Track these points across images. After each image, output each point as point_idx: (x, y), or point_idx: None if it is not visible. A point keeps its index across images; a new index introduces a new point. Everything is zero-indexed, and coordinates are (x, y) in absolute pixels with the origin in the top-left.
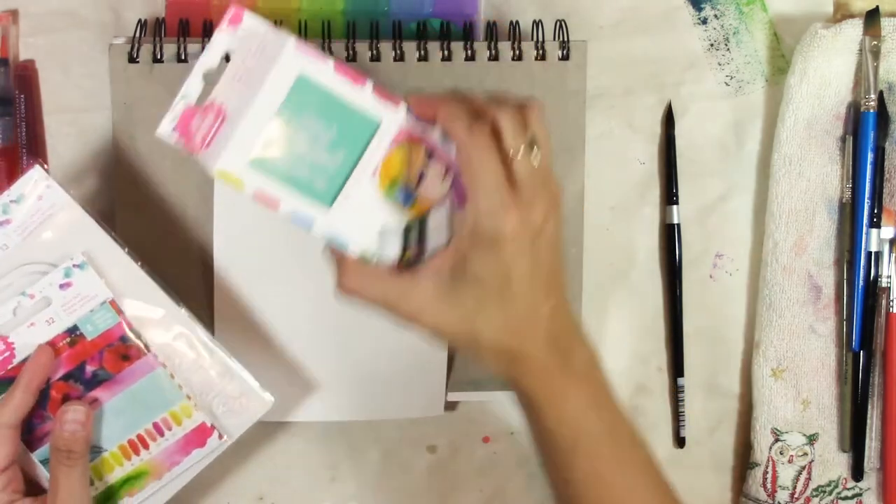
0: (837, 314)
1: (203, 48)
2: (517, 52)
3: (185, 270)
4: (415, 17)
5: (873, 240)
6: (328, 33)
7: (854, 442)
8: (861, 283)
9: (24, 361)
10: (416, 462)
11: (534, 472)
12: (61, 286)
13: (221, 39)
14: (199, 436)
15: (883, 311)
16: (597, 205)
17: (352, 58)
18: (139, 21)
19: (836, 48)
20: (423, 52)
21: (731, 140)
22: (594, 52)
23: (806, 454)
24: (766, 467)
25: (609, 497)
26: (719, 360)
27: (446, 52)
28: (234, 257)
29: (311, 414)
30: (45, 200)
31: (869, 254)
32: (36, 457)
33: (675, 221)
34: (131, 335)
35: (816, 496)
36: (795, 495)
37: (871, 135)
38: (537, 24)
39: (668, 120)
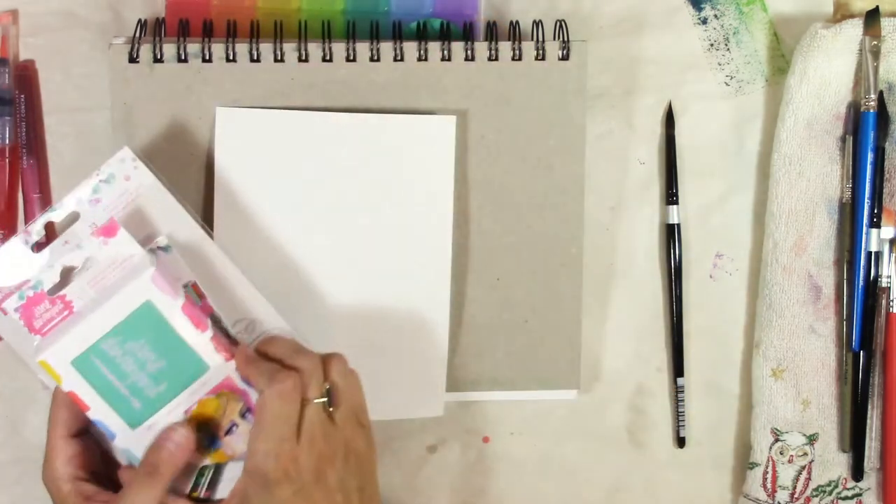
0: (837, 314)
1: (203, 48)
2: (517, 52)
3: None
4: (415, 17)
5: (873, 240)
6: (328, 33)
7: (854, 442)
8: (861, 283)
9: None
10: (416, 462)
11: (534, 472)
12: None
13: (90, 245)
14: None
15: (883, 311)
16: (597, 205)
17: (352, 58)
18: (139, 21)
19: (836, 48)
20: (423, 52)
21: (731, 140)
22: (594, 52)
23: (806, 454)
24: (766, 467)
25: None
26: (719, 360)
27: (446, 52)
28: (234, 258)
29: None
30: (132, 181)
31: (869, 254)
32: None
33: (675, 221)
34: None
35: (816, 496)
36: (795, 495)
37: (871, 135)
38: (537, 24)
39: (668, 120)
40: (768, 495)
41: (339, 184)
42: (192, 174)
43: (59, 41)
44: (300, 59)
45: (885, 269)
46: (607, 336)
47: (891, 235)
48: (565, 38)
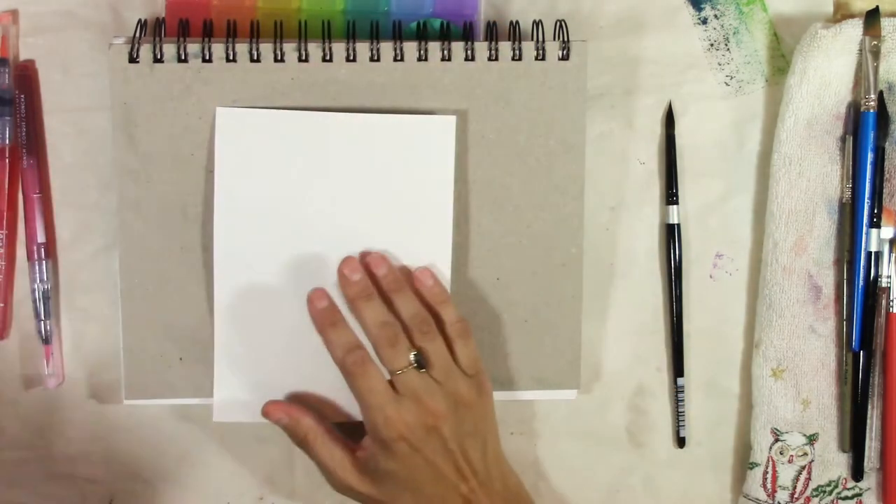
0: (837, 314)
1: (203, 48)
2: (517, 52)
3: (186, 270)
4: (415, 17)
5: (873, 240)
6: (328, 33)
7: (854, 442)
8: (861, 283)
9: None
10: None
11: (534, 472)
12: None
13: None
14: None
15: (883, 311)
16: (597, 205)
17: (352, 58)
18: (139, 21)
19: (836, 48)
20: (423, 52)
21: (731, 140)
22: (594, 52)
23: (806, 454)
24: (766, 467)
25: None
26: (719, 360)
27: (446, 52)
28: (234, 257)
29: None
30: None
31: (869, 254)
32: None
33: (675, 221)
34: None
35: (816, 496)
36: (795, 495)
37: (871, 135)
38: (537, 24)
39: (668, 120)
40: (768, 495)
41: (339, 183)
42: (192, 174)
43: (59, 41)
44: (300, 59)
45: (885, 269)
46: (607, 336)
47: (891, 235)
48: (565, 38)
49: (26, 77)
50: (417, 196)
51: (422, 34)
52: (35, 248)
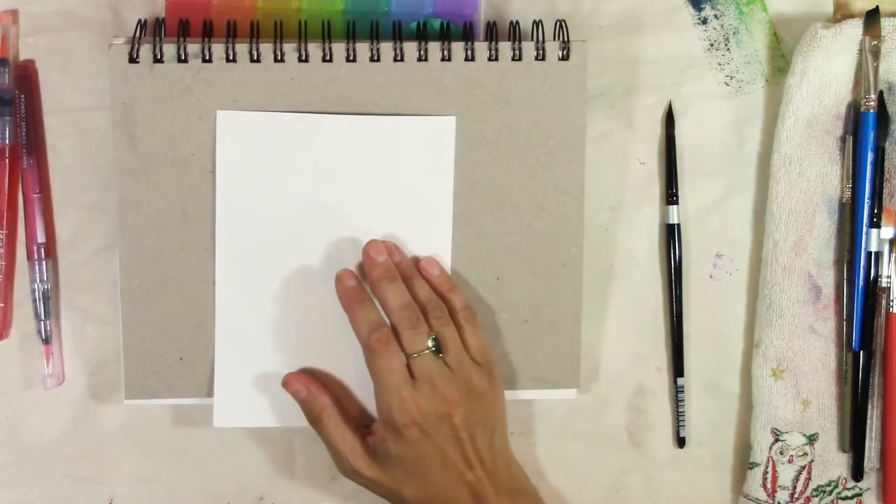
0: (837, 314)
1: (203, 48)
2: (517, 52)
3: (186, 270)
4: (415, 17)
5: (873, 240)
6: (328, 33)
7: (854, 442)
8: (861, 283)
9: None
10: None
11: (534, 472)
12: None
13: None
14: None
15: (883, 311)
16: (597, 205)
17: (352, 58)
18: (139, 21)
19: (836, 48)
20: (423, 53)
21: (731, 140)
22: (594, 52)
23: (806, 454)
24: (766, 467)
25: None
26: (719, 360)
27: (446, 53)
28: (236, 260)
29: None
30: None
31: (869, 254)
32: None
33: (675, 221)
34: None
35: (816, 496)
36: (795, 495)
37: (871, 135)
38: (537, 24)
39: (668, 120)
40: (768, 495)
41: (339, 185)
42: (192, 174)
43: (59, 41)
44: (300, 60)
45: (885, 269)
46: (607, 336)
47: (891, 235)
48: (565, 38)
49: (26, 77)
50: (417, 196)
51: (422, 34)
52: (35, 248)
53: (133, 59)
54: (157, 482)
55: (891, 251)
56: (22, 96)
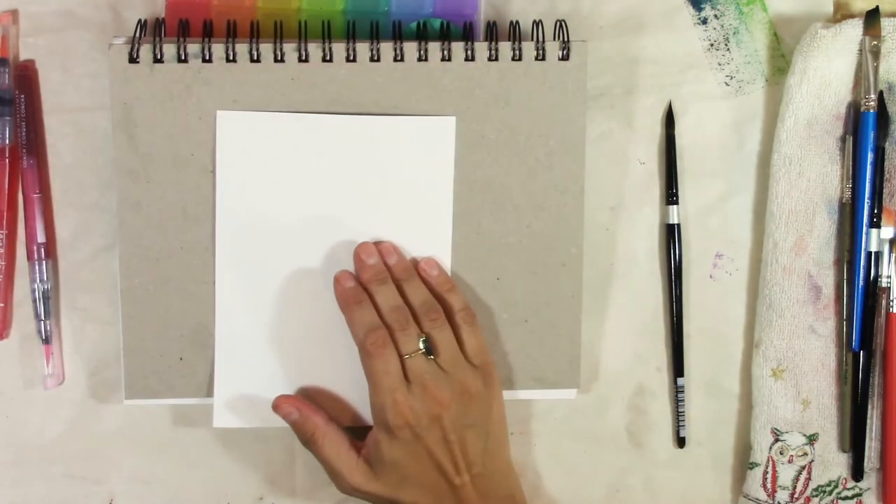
0: (837, 314)
1: (203, 48)
2: (517, 52)
3: (186, 270)
4: (415, 17)
5: (873, 240)
6: (328, 33)
7: (854, 442)
8: (861, 283)
9: None
10: None
11: (533, 472)
12: None
13: None
14: None
15: (883, 311)
16: (597, 205)
17: (352, 58)
18: (139, 21)
19: (836, 48)
20: (423, 53)
21: (731, 140)
22: (594, 52)
23: (806, 454)
24: (766, 467)
25: None
26: (719, 360)
27: (446, 53)
28: (236, 260)
29: None
30: None
31: (869, 254)
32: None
33: (675, 221)
34: None
35: (816, 496)
36: (795, 495)
37: (871, 135)
38: (537, 24)
39: (668, 120)
40: (768, 495)
41: (339, 185)
42: (192, 174)
43: (59, 41)
44: (300, 60)
45: (885, 269)
46: (607, 336)
47: (891, 235)
48: (565, 38)
49: (26, 77)
50: (417, 197)
51: (422, 34)
52: (35, 248)
53: (133, 59)
54: (157, 482)
55: (891, 251)
56: (22, 96)
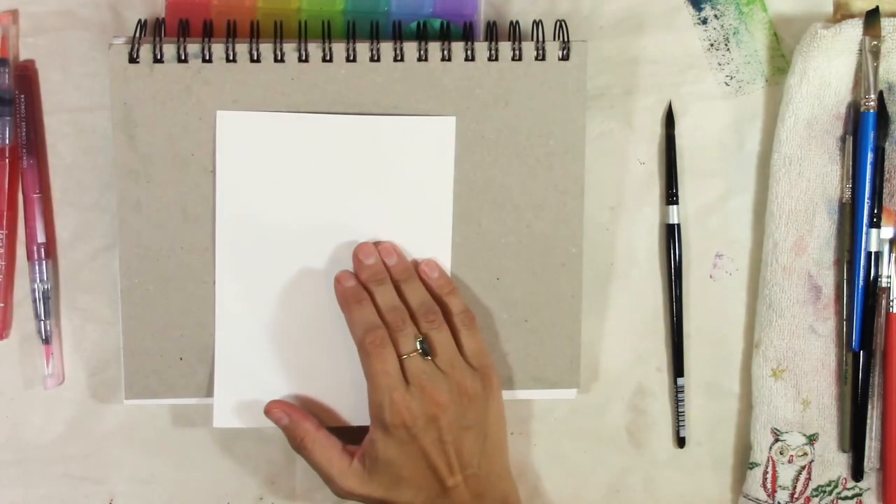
0: (837, 314)
1: (203, 48)
2: (517, 52)
3: (186, 270)
4: (415, 17)
5: (873, 240)
6: (328, 33)
7: (854, 442)
8: (861, 283)
9: None
10: None
11: (533, 472)
12: None
13: None
14: None
15: (883, 311)
16: (597, 205)
17: (352, 58)
18: (139, 21)
19: (836, 48)
20: (423, 53)
21: (731, 140)
22: (594, 52)
23: (806, 454)
24: (766, 467)
25: None
26: (719, 360)
27: (446, 53)
28: (236, 260)
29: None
30: None
31: (869, 254)
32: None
33: (675, 221)
34: None
35: (816, 496)
36: (795, 495)
37: (871, 135)
38: (537, 24)
39: (668, 120)
40: (768, 495)
41: (339, 185)
42: (192, 174)
43: (59, 41)
44: (300, 60)
45: (885, 269)
46: (607, 336)
47: (891, 235)
48: (565, 38)
49: (26, 77)
50: (417, 196)
51: (422, 34)
52: (35, 248)
53: (133, 59)
54: (157, 482)
55: (891, 251)
56: (22, 96)
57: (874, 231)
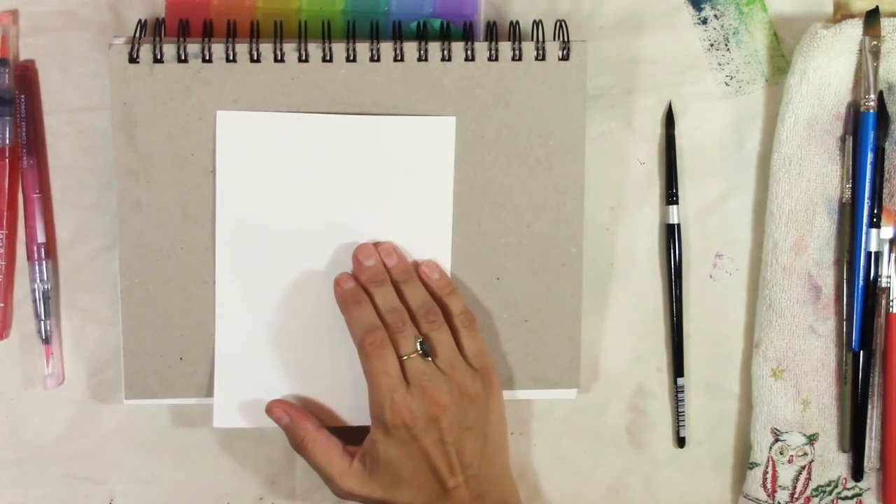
0: (837, 314)
1: (203, 48)
2: (517, 52)
3: (186, 270)
4: (415, 17)
5: (873, 240)
6: (328, 33)
7: (854, 442)
8: (861, 283)
9: None
10: None
11: (533, 472)
12: None
13: None
14: None
15: (883, 311)
16: (597, 205)
17: (352, 58)
18: (139, 21)
19: (836, 48)
20: (423, 53)
21: (731, 140)
22: (594, 52)
23: (806, 454)
24: (766, 467)
25: None
26: (719, 360)
27: (446, 53)
28: (235, 257)
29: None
30: None
31: (869, 254)
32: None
33: (675, 221)
34: None
35: (816, 496)
36: (795, 495)
37: (871, 135)
38: (537, 24)
39: (668, 120)
40: (768, 495)
41: (339, 185)
42: (192, 174)
43: (59, 41)
44: (300, 60)
45: (885, 269)
46: (607, 336)
47: (891, 235)
48: (565, 38)
49: (26, 77)
50: (417, 197)
51: (422, 34)
52: (35, 248)
53: (133, 59)
54: (157, 482)
55: (891, 251)
56: (22, 96)
57: (874, 231)
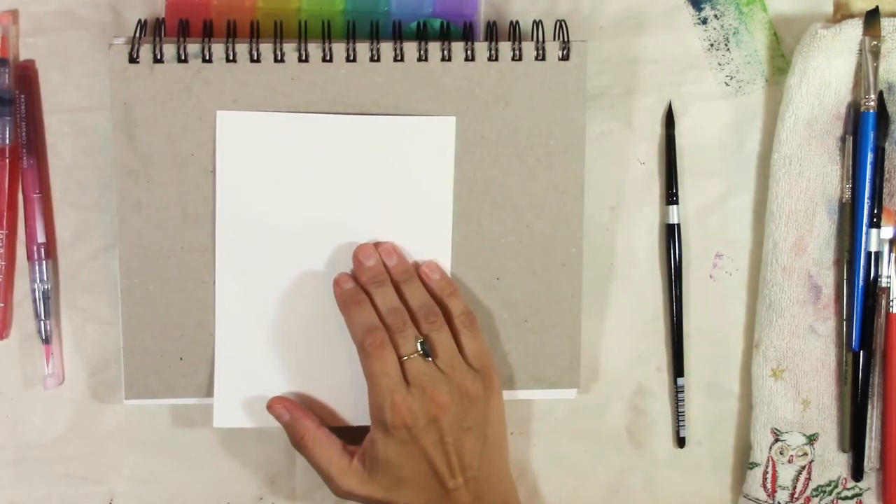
0: (837, 314)
1: (203, 48)
2: (517, 52)
3: (186, 270)
4: (415, 17)
5: (873, 240)
6: (328, 33)
7: (854, 442)
8: (861, 283)
9: None
10: None
11: (533, 472)
12: None
13: None
14: None
15: (883, 311)
16: (597, 205)
17: (352, 58)
18: (139, 21)
19: (836, 48)
20: (423, 53)
21: (731, 140)
22: (594, 52)
23: (806, 454)
24: (766, 467)
25: None
26: (719, 360)
27: (446, 53)
28: (235, 257)
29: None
30: None
31: (869, 254)
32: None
33: (675, 221)
34: None
35: (816, 496)
36: (795, 495)
37: (871, 135)
38: (537, 24)
39: (668, 120)
40: (768, 495)
41: (339, 185)
42: (192, 174)
43: (59, 41)
44: (300, 60)
45: (885, 269)
46: (607, 336)
47: (891, 235)
48: (565, 38)
49: (26, 77)
50: (417, 197)
51: (422, 34)
52: (35, 248)
53: (133, 59)
54: (157, 482)
55: (891, 251)
56: (22, 96)
57: (874, 231)
